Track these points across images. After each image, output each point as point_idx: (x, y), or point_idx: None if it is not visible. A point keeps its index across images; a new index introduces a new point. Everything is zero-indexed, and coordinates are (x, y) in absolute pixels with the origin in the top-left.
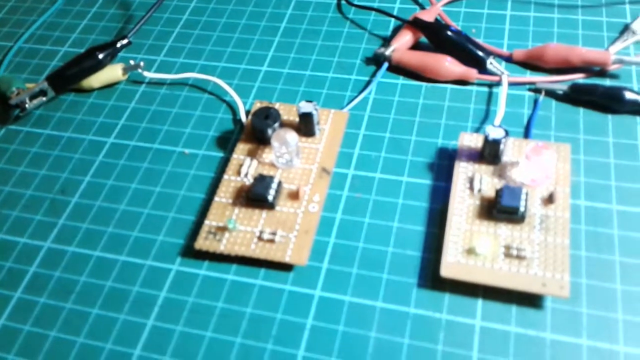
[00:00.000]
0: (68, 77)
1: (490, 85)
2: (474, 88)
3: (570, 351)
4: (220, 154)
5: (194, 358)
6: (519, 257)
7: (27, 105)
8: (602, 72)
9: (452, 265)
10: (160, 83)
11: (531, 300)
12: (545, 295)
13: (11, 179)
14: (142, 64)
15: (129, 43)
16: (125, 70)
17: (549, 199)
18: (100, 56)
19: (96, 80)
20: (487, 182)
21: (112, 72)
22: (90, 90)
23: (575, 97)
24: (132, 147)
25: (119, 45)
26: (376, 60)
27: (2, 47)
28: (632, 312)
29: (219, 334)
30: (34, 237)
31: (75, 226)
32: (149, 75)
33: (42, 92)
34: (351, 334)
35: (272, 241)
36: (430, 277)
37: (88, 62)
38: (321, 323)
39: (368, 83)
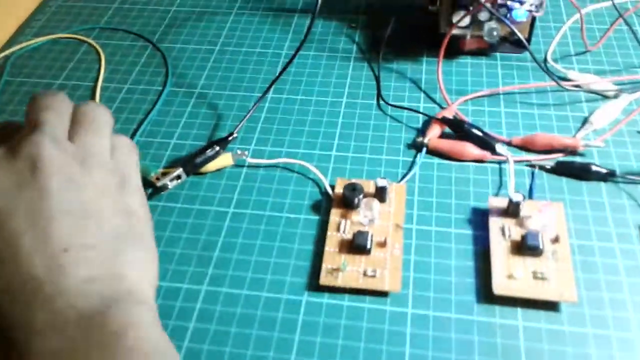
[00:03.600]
0: (196, 164)
1: (500, 163)
2: (489, 165)
3: (580, 337)
4: (317, 217)
5: (333, 358)
6: (543, 278)
7: (169, 186)
8: (574, 152)
9: (500, 286)
10: (257, 166)
11: (552, 306)
12: (562, 301)
13: (162, 240)
14: (247, 153)
15: (236, 137)
16: (234, 158)
17: (556, 239)
18: (218, 148)
19: (212, 165)
20: (513, 229)
21: (225, 159)
22: (205, 173)
23: (559, 170)
24: (250, 214)
25: (230, 138)
26: (415, 146)
27: None
28: (617, 309)
29: (346, 340)
30: (192, 283)
31: (222, 273)
32: (250, 160)
33: (178, 177)
34: (437, 336)
35: (373, 276)
36: (485, 295)
37: (210, 152)
38: (415, 330)
39: (412, 163)
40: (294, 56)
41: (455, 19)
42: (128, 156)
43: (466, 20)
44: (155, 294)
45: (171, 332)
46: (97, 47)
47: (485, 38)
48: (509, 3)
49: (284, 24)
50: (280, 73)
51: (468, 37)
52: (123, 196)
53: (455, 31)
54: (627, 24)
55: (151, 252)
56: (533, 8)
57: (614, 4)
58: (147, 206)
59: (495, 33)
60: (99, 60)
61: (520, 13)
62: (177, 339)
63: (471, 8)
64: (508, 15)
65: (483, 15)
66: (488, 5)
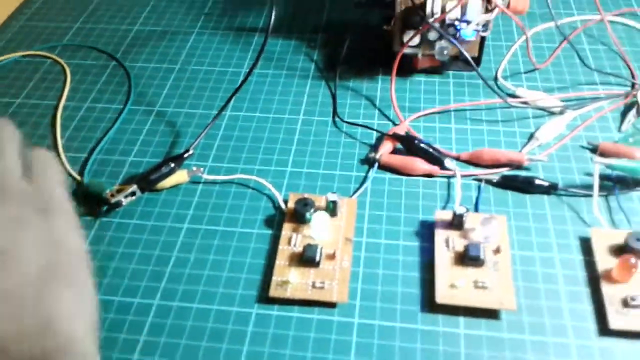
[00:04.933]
0: (151, 181)
1: (448, 177)
2: (438, 180)
3: (519, 344)
4: (270, 231)
5: None
6: (484, 287)
7: (123, 203)
8: (520, 167)
9: (443, 295)
10: (213, 182)
11: (493, 314)
12: (501, 309)
13: (115, 256)
14: (202, 169)
15: (192, 154)
16: (189, 175)
17: (497, 250)
18: (172, 165)
19: (168, 182)
20: (457, 241)
21: (181, 176)
22: (161, 190)
23: (505, 183)
24: (204, 230)
25: (185, 155)
26: (368, 162)
27: (79, 157)
28: (554, 317)
29: (294, 351)
30: (144, 297)
31: (174, 288)
32: (206, 176)
33: (133, 193)
34: (382, 344)
35: (322, 288)
36: (429, 304)
37: (165, 169)
38: (361, 339)
39: (365, 178)
40: (248, 74)
41: (405, 39)
42: (48, 173)
43: (416, 40)
44: (96, 338)
45: (122, 345)
46: (62, 62)
47: (437, 57)
48: (456, 23)
49: (244, 43)
50: (236, 91)
51: (419, 55)
52: (47, 223)
53: (407, 50)
54: (571, 45)
55: (85, 288)
56: (480, 27)
57: (557, 26)
58: (79, 231)
59: (445, 52)
60: (63, 76)
61: (468, 32)
62: (127, 352)
63: (420, 28)
64: (457, 34)
65: (432, 35)
66: (436, 25)
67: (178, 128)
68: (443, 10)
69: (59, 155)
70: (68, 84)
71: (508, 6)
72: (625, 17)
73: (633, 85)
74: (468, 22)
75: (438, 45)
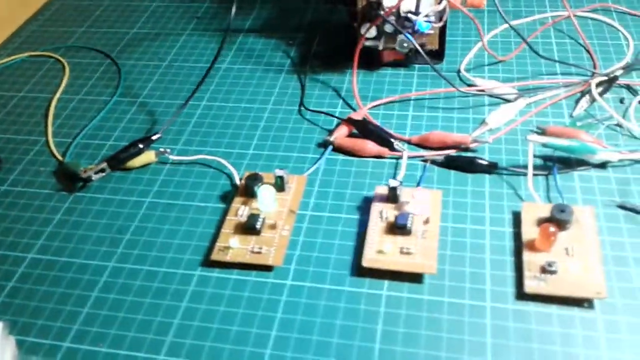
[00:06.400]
0: (120, 159)
1: (397, 158)
2: (387, 160)
3: (437, 305)
4: (224, 205)
5: (212, 322)
6: (408, 253)
7: (93, 178)
8: (467, 149)
9: (369, 260)
10: (179, 163)
11: (416, 278)
12: (422, 272)
13: (82, 225)
14: (169, 150)
15: (160, 137)
16: (157, 155)
17: (426, 221)
18: (141, 146)
19: (137, 161)
20: (391, 213)
21: (148, 156)
22: (132, 169)
23: (448, 163)
24: (165, 204)
25: (153, 138)
26: (324, 145)
27: (65, 142)
28: (475, 282)
29: (228, 307)
30: (102, 260)
31: (129, 252)
32: (172, 157)
33: (103, 170)
34: (308, 303)
35: (259, 252)
36: (358, 269)
37: (133, 150)
38: (290, 298)
39: (319, 159)
40: (210, 66)
41: (363, 31)
42: None
43: (373, 32)
44: None
45: (75, 299)
46: (63, 61)
47: (398, 49)
48: (409, 15)
49: (229, 42)
50: (201, 81)
51: (380, 47)
52: None
53: (368, 43)
54: (529, 46)
55: None
56: (432, 19)
57: (511, 27)
58: None
59: (405, 44)
60: (63, 73)
61: (424, 25)
62: (79, 305)
63: (374, 20)
64: (414, 27)
65: (388, 27)
66: (389, 17)
67: (157, 116)
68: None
69: (47, 140)
70: (65, 80)
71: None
72: (597, 12)
73: (593, 75)
74: (416, 14)
75: (399, 38)
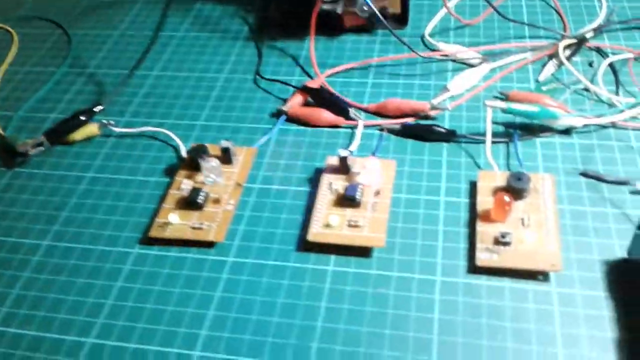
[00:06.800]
0: (59, 132)
1: (353, 128)
2: (342, 130)
3: (385, 279)
4: (167, 179)
5: (146, 302)
6: (356, 226)
7: (30, 153)
8: (427, 117)
9: (315, 234)
10: (124, 135)
11: (364, 252)
12: (372, 246)
13: (18, 202)
14: (112, 122)
15: (103, 109)
16: (99, 127)
17: (377, 193)
18: (83, 118)
19: (78, 134)
20: (341, 184)
21: (90, 129)
22: (74, 142)
23: (405, 132)
24: (106, 178)
25: (96, 109)
26: (278, 114)
27: (8, 115)
28: (426, 255)
29: (164, 287)
30: (35, 238)
31: (65, 230)
32: (117, 129)
33: (40, 144)
34: (250, 280)
35: (200, 228)
36: (303, 244)
37: (73, 122)
38: (231, 276)
39: (272, 129)
40: (156, 31)
41: None
42: None
43: None
44: None
45: (6, 280)
46: (12, 32)
47: (359, 13)
48: None
49: (185, 10)
50: (147, 50)
51: (339, 11)
52: None
53: (327, 7)
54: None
55: None
56: None
57: None
58: None
59: (365, 8)
60: (11, 44)
61: None
62: (9, 287)
63: None
64: None
65: None
66: None
67: (105, 88)
68: None
69: None
70: (13, 51)
71: None
72: None
73: (562, 38)
74: None
75: (359, 1)
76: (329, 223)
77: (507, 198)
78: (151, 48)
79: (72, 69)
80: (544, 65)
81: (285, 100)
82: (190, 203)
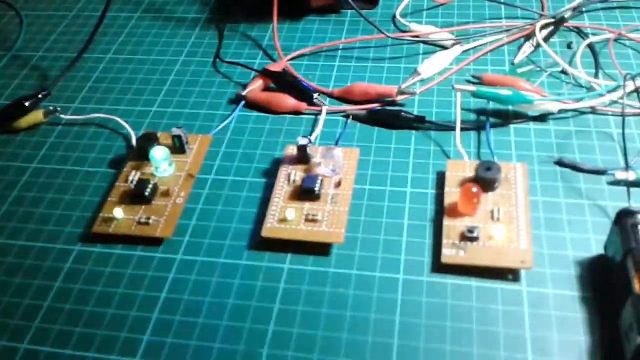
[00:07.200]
0: (1, 120)
1: (316, 113)
2: (305, 116)
3: (345, 278)
4: (115, 170)
5: (86, 304)
6: (314, 221)
7: None
8: (394, 102)
9: (269, 229)
10: (73, 123)
11: (322, 249)
12: (330, 242)
13: None
14: (58, 109)
15: (49, 94)
16: (45, 114)
17: (338, 184)
18: (26, 104)
19: (23, 122)
20: (299, 175)
21: (35, 116)
22: (19, 130)
23: (371, 118)
24: (50, 169)
25: (40, 95)
26: (237, 100)
27: None
28: (388, 252)
29: (106, 287)
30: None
31: (4, 226)
32: (65, 117)
33: None
34: (198, 280)
35: (147, 223)
36: (256, 240)
37: (15, 109)
38: (179, 275)
39: (229, 116)
40: (104, 12)
41: None
42: None
43: None
44: None
45: None
46: None
47: None
48: None
49: None
50: (94, 31)
51: None
52: None
53: None
54: None
55: None
56: None
57: None
58: None
59: None
60: None
61: None
62: None
63: None
64: None
65: None
66: None
67: (56, 72)
68: None
69: None
70: None
71: None
72: None
73: (540, 18)
74: None
75: None
76: (285, 217)
77: (474, 189)
78: (103, 30)
79: (22, 52)
80: (519, 47)
81: (244, 85)
82: (136, 196)
